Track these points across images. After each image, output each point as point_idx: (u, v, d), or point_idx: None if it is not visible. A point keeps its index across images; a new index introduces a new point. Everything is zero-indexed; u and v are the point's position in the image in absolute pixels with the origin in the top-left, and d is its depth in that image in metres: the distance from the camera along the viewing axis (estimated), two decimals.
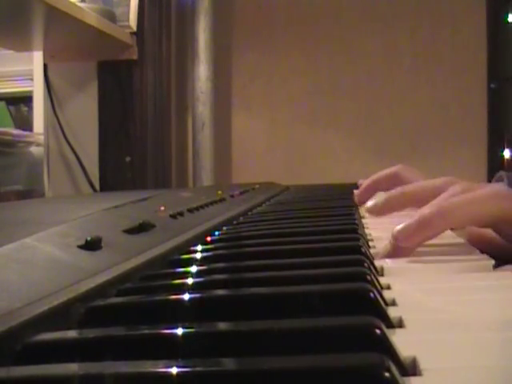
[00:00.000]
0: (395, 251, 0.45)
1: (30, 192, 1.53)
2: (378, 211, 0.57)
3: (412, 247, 0.46)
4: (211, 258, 0.43)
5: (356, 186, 0.85)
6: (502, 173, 0.69)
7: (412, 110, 1.94)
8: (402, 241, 0.45)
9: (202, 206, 0.63)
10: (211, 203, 0.67)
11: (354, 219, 0.59)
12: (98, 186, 1.77)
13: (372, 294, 0.27)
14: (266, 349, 0.23)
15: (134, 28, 1.70)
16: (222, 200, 0.73)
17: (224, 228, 0.58)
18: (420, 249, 0.46)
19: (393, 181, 0.77)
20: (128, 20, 1.69)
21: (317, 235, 0.50)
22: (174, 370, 0.20)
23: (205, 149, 1.87)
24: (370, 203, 0.58)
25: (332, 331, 0.23)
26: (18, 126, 1.74)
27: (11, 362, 0.23)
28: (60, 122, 1.78)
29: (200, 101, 1.86)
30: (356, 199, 0.81)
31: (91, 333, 0.26)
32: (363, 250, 0.41)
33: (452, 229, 0.57)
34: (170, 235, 0.47)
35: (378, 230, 0.57)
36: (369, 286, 0.28)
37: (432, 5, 1.92)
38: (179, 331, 0.24)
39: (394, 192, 0.57)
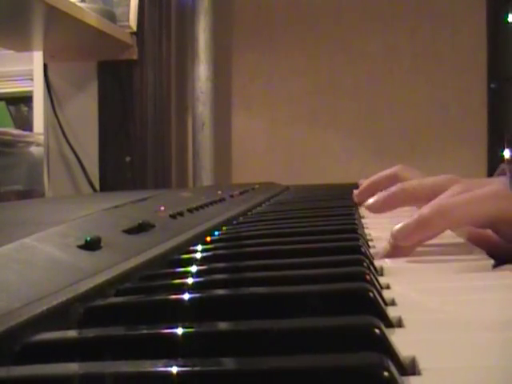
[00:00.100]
0: (394, 251, 0.45)
1: (30, 192, 1.53)
2: (377, 208, 0.57)
3: (411, 247, 0.46)
4: (211, 258, 0.43)
5: (356, 186, 0.85)
6: (503, 165, 0.69)
7: (412, 110, 1.94)
8: (401, 240, 0.45)
9: (201, 206, 0.63)
10: (211, 203, 0.67)
11: (354, 219, 0.59)
12: (98, 186, 1.77)
13: (371, 294, 0.27)
14: (265, 349, 0.23)
15: (134, 28, 1.70)
16: (221, 200, 0.73)
17: (224, 228, 0.58)
18: (420, 249, 0.46)
19: (393, 181, 0.77)
20: (128, 20, 1.69)
21: (316, 235, 0.50)
22: (174, 370, 0.20)
23: (205, 149, 1.87)
24: (370, 200, 0.58)
25: (331, 331, 0.23)
26: (18, 126, 1.74)
27: (11, 362, 0.23)
28: (60, 122, 1.78)
29: (200, 101, 1.86)
30: (355, 199, 0.81)
31: (91, 333, 0.26)
32: (363, 249, 0.41)
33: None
34: (170, 235, 0.47)
35: (378, 230, 0.57)
36: (368, 286, 0.28)
37: (432, 5, 1.92)
38: (179, 331, 0.24)
39: (393, 189, 0.57)
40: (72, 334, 0.26)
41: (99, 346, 0.24)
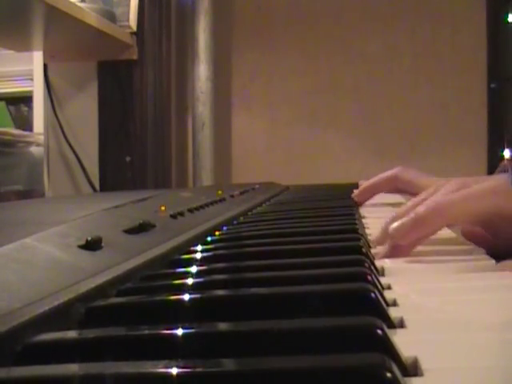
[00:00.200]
0: (394, 250, 0.45)
1: (30, 192, 1.53)
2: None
3: (410, 245, 0.45)
4: (211, 258, 0.43)
5: (356, 186, 0.85)
6: (505, 162, 0.69)
7: (412, 110, 1.94)
8: (399, 239, 0.45)
9: (202, 206, 0.63)
10: (211, 203, 0.67)
11: (355, 219, 0.59)
12: (98, 186, 1.76)
13: (373, 295, 0.27)
14: (266, 349, 0.23)
15: (134, 28, 1.70)
16: (222, 200, 0.73)
17: (224, 228, 0.58)
18: (420, 249, 0.46)
19: (393, 183, 0.77)
20: (128, 20, 1.68)
21: (317, 235, 0.50)
22: (174, 371, 0.20)
23: (205, 149, 1.87)
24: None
25: (333, 331, 0.23)
26: (18, 126, 1.73)
27: (11, 363, 0.23)
28: (60, 122, 1.78)
29: (200, 101, 1.86)
30: (355, 199, 0.81)
31: (91, 333, 0.26)
32: (364, 250, 0.41)
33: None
34: (170, 235, 0.47)
35: (378, 230, 0.56)
36: (370, 287, 0.28)
37: (432, 5, 1.92)
38: (179, 331, 0.24)
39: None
40: (73, 334, 0.26)
41: (100, 347, 0.24)
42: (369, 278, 0.31)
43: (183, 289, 0.33)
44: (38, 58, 1.68)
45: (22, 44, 1.61)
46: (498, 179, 0.48)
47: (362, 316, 0.25)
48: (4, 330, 0.24)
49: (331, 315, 0.26)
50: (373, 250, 0.47)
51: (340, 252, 0.41)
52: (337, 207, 0.75)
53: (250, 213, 0.72)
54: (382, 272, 0.39)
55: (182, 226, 0.52)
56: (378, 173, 0.81)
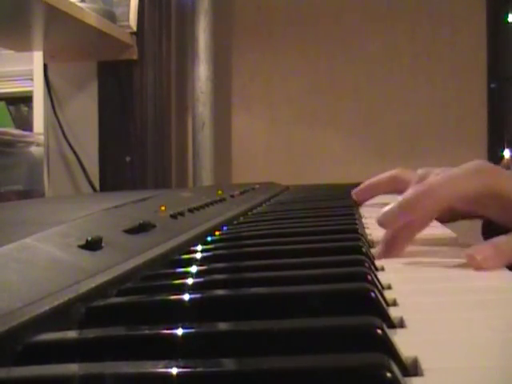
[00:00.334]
0: (388, 246, 0.45)
1: (30, 192, 1.53)
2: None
3: (403, 240, 0.45)
4: (211, 258, 0.43)
5: (356, 186, 0.85)
6: (505, 162, 0.69)
7: (412, 110, 1.94)
8: (386, 224, 0.44)
9: (202, 206, 0.63)
10: (211, 203, 0.67)
11: (355, 219, 0.59)
12: (98, 186, 1.76)
13: (373, 294, 0.27)
14: (267, 349, 0.23)
15: (134, 28, 1.70)
16: (222, 200, 0.73)
17: (224, 228, 0.58)
18: (420, 249, 0.46)
19: (392, 184, 0.77)
20: (128, 20, 1.69)
21: (317, 235, 0.50)
22: (174, 371, 0.20)
23: (205, 149, 1.86)
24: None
25: (333, 331, 0.23)
26: (18, 126, 1.73)
27: (12, 363, 0.23)
28: (60, 122, 1.78)
29: (200, 101, 1.86)
30: (353, 197, 0.81)
31: (92, 333, 0.26)
32: (364, 249, 0.41)
33: (443, 223, 0.57)
34: (171, 235, 0.47)
35: (378, 230, 0.56)
36: (370, 286, 0.28)
37: (432, 5, 1.92)
38: (179, 331, 0.24)
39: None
40: (73, 334, 0.26)
41: (100, 347, 0.24)
42: (369, 277, 0.31)
43: (183, 289, 0.33)
44: (38, 58, 1.68)
45: (22, 44, 1.61)
46: (478, 162, 0.47)
47: (362, 316, 0.25)
48: (4, 329, 0.24)
49: (331, 315, 0.26)
50: (373, 250, 0.47)
51: (340, 252, 0.41)
52: (337, 207, 0.75)
53: (250, 213, 0.72)
54: (382, 272, 0.39)
55: (182, 226, 0.52)
56: (378, 173, 0.81)
